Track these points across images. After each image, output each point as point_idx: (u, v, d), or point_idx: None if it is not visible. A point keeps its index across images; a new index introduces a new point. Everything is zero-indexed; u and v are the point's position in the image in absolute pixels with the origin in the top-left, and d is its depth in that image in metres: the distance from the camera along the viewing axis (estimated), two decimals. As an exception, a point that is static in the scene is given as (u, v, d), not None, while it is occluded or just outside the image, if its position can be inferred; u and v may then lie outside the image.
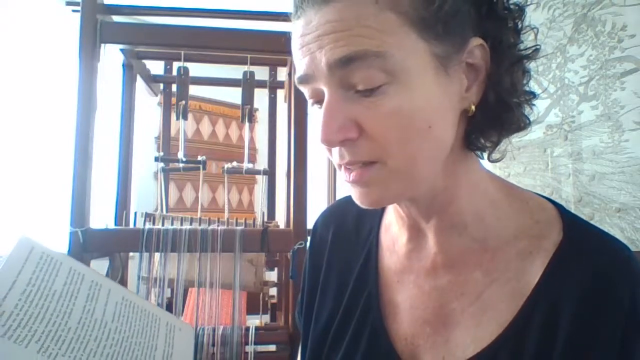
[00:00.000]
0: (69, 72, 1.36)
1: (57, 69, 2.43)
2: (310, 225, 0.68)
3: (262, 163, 2.39)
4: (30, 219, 2.31)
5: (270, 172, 1.86)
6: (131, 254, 1.50)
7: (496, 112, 0.44)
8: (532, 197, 0.48)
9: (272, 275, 1.80)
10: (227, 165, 1.59)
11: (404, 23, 0.38)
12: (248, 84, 1.47)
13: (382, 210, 0.58)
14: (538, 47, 0.45)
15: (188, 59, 1.45)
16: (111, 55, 1.32)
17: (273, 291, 1.78)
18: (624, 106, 1.20)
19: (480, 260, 0.46)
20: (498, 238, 0.46)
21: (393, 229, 0.55)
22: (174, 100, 1.64)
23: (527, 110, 0.46)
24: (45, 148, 2.46)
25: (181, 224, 1.34)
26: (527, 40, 0.46)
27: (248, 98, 1.47)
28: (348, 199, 0.60)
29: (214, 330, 1.15)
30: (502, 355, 0.42)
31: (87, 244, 1.12)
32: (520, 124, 0.45)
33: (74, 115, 1.15)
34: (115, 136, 1.48)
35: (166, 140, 1.89)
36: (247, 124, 1.48)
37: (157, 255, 1.18)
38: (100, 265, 1.24)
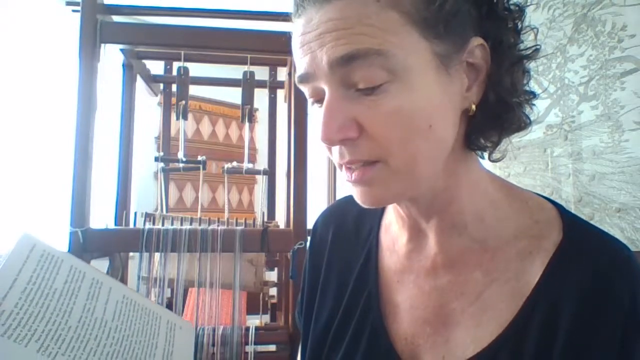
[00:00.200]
0: (69, 72, 1.36)
1: (57, 69, 2.43)
2: (310, 225, 0.68)
3: (262, 163, 2.39)
4: (31, 219, 2.31)
5: (270, 172, 1.86)
6: (131, 254, 1.50)
7: (496, 112, 0.44)
8: (531, 197, 0.48)
9: (272, 275, 1.80)
10: (227, 165, 1.59)
11: (406, 22, 0.38)
12: (248, 84, 1.47)
13: (382, 210, 0.58)
14: (538, 47, 0.45)
15: (188, 59, 1.45)
16: (111, 55, 1.32)
17: (273, 291, 1.78)
18: (624, 106, 1.20)
19: (480, 260, 0.46)
20: (498, 238, 0.46)
21: (393, 229, 0.55)
22: (174, 100, 1.64)
23: (527, 110, 0.46)
24: (45, 148, 2.46)
25: (181, 224, 1.34)
26: (527, 40, 0.46)
27: (248, 98, 1.47)
28: (348, 199, 0.60)
29: (214, 330, 1.15)
30: (502, 355, 0.42)
31: (87, 244, 1.12)
32: (521, 124, 0.45)
33: (74, 115, 1.15)
34: (115, 136, 1.48)
35: (166, 140, 1.89)
36: (247, 124, 1.48)
37: (157, 255, 1.18)
38: (100, 265, 1.24)
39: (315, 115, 0.42)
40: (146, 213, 1.46)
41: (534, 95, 0.46)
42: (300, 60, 0.41)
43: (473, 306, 0.45)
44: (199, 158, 1.56)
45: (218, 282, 1.18)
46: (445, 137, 0.42)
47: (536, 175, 1.44)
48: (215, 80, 2.02)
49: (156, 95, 1.83)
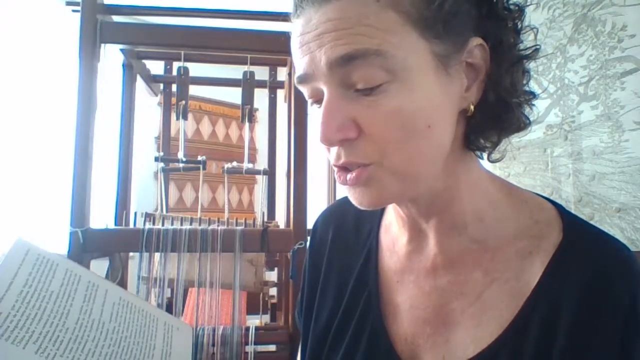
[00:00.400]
0: (69, 72, 1.36)
1: (57, 69, 2.43)
2: (310, 225, 0.68)
3: (262, 163, 2.39)
4: (30, 219, 2.31)
5: (270, 172, 1.86)
6: (131, 254, 1.50)
7: (496, 112, 0.44)
8: (531, 197, 0.48)
9: (272, 275, 1.80)
10: (227, 165, 1.59)
11: (405, 22, 0.38)
12: (248, 84, 1.47)
13: (382, 211, 0.57)
14: (538, 47, 0.45)
15: (188, 59, 1.45)
16: (111, 55, 1.32)
17: (273, 291, 1.78)
18: (624, 106, 1.20)
19: (480, 260, 0.46)
20: (498, 238, 0.46)
21: (393, 229, 0.54)
22: (174, 100, 1.64)
23: (527, 110, 0.46)
24: (45, 148, 2.46)
25: (181, 224, 1.34)
26: (527, 40, 0.45)
27: (248, 98, 1.47)
28: (348, 199, 0.60)
29: (214, 330, 1.15)
30: (502, 355, 0.42)
31: (87, 244, 1.12)
32: (520, 124, 0.45)
33: (74, 115, 1.15)
34: (115, 136, 1.48)
35: (166, 140, 1.89)
36: (247, 124, 1.48)
37: (157, 255, 1.18)
38: (100, 265, 1.24)
39: (315, 115, 0.42)
40: (146, 213, 1.46)
41: (533, 95, 0.46)
42: (299, 61, 0.41)
43: (473, 306, 0.45)
44: (199, 158, 1.56)
45: (218, 282, 1.18)
46: (444, 137, 0.42)
47: (536, 175, 1.44)
48: (215, 80, 2.02)
49: (156, 95, 1.83)
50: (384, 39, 0.37)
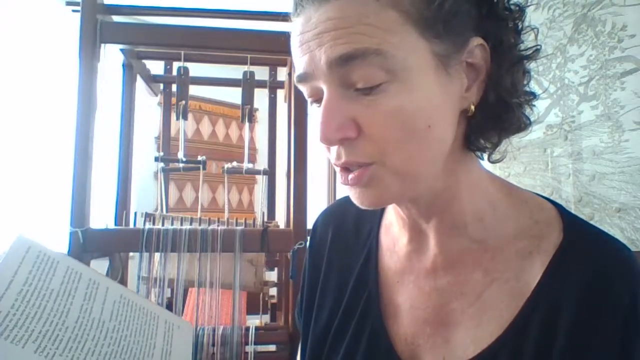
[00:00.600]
0: (69, 72, 1.36)
1: (57, 69, 2.43)
2: (310, 225, 0.68)
3: (262, 163, 2.39)
4: (30, 219, 2.31)
5: (270, 172, 1.86)
6: (131, 254, 1.50)
7: (496, 112, 0.44)
8: (531, 197, 0.48)
9: (272, 275, 1.80)
10: (227, 165, 1.59)
11: (405, 21, 0.38)
12: (248, 84, 1.47)
13: (382, 211, 0.57)
14: (538, 47, 0.45)
15: (188, 59, 1.45)
16: (111, 55, 1.32)
17: (273, 291, 1.78)
18: (624, 106, 1.20)
19: (480, 260, 0.46)
20: (498, 238, 0.46)
21: (393, 230, 0.54)
22: (174, 100, 1.64)
23: (527, 110, 0.46)
24: (45, 148, 2.46)
25: (181, 224, 1.34)
26: (527, 40, 0.45)
27: (248, 98, 1.47)
28: (348, 199, 0.60)
29: (214, 330, 1.15)
30: (503, 356, 0.42)
31: (87, 244, 1.12)
32: (521, 125, 0.45)
33: (74, 115, 1.15)
34: (115, 136, 1.48)
35: (166, 140, 1.89)
36: (247, 124, 1.48)
37: (157, 255, 1.18)
38: (100, 265, 1.24)
39: (314, 115, 0.42)
40: (146, 213, 1.46)
41: (534, 95, 0.46)
42: (299, 60, 0.41)
43: (473, 306, 0.45)
44: (199, 158, 1.55)
45: (218, 282, 1.18)
46: (444, 137, 0.42)
47: (536, 175, 1.44)
48: (215, 80, 2.02)
49: (156, 95, 1.83)
50: (383, 38, 0.37)
